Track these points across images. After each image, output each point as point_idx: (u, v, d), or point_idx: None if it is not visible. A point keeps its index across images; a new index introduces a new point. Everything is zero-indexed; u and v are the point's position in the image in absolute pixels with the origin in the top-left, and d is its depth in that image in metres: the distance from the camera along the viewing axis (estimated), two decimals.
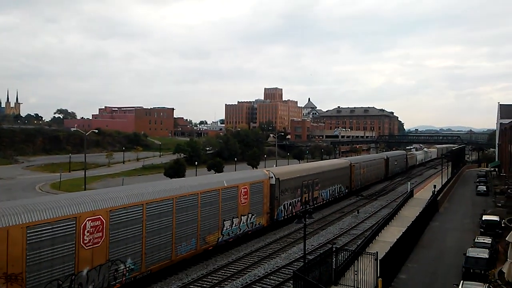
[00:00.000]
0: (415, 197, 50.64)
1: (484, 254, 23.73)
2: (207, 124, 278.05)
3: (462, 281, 19.76)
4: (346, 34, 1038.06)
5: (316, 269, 19.44)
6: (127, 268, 20.64)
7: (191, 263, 25.66)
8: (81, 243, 18.32)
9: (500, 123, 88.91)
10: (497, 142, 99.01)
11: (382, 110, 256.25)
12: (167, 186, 24.77)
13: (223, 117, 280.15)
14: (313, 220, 36.44)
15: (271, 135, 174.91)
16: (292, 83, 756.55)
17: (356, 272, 20.84)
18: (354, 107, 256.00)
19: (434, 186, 47.13)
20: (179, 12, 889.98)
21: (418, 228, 31.74)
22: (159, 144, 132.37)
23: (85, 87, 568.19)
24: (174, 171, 71.16)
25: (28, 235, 16.21)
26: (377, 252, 20.93)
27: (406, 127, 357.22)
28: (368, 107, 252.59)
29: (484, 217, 35.05)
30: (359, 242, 27.27)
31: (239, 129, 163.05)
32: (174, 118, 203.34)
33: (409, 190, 53.02)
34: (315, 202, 43.64)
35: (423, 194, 51.34)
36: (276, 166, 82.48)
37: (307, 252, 24.39)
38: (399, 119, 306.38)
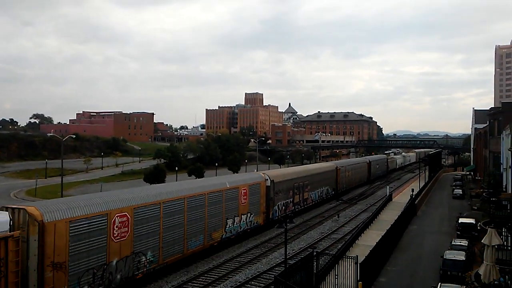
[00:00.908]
0: (394, 201, 51.41)
1: (461, 256, 24.23)
2: (187, 129, 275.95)
3: (440, 283, 20.11)
4: (326, 40, 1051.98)
5: (297, 273, 19.47)
6: (148, 260, 22.97)
7: (199, 257, 27.98)
8: (111, 236, 20.55)
9: (475, 128, 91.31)
10: (472, 146, 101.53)
11: (361, 115, 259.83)
12: (179, 187, 27.62)
13: (204, 122, 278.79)
14: (294, 224, 36.67)
15: (252, 140, 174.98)
16: (273, 88, 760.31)
17: (336, 276, 20.97)
18: (334, 112, 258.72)
19: (412, 190, 47.96)
20: (160, 17, 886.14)
21: (397, 232, 32.19)
22: (138, 149, 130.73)
23: (63, 92, 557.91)
24: (154, 176, 70.38)
25: (70, 228, 18.36)
26: (357, 256, 21.11)
27: (384, 131, 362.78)
28: (348, 112, 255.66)
29: (461, 220, 35.80)
30: (340, 246, 27.50)
31: (220, 134, 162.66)
32: (154, 123, 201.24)
33: (388, 194, 53.81)
34: (305, 203, 46.38)
35: (402, 198, 52.16)
36: (257, 170, 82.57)
37: (288, 256, 24.43)
38: (378, 124, 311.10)
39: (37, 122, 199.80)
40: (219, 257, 28.96)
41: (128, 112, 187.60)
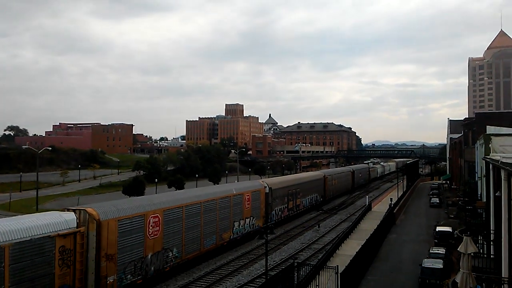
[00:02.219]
0: (373, 210, 52.00)
1: (438, 264, 24.61)
2: (167, 140, 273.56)
3: None
4: (305, 52, 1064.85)
5: (278, 285, 19.41)
6: (174, 256, 26.38)
7: (212, 255, 31.26)
8: (147, 234, 23.97)
9: (450, 138, 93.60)
10: (448, 156, 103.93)
11: (341, 126, 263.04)
12: (196, 193, 31.60)
13: (184, 133, 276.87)
14: (275, 235, 36.65)
15: (233, 151, 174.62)
16: (253, 100, 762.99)
17: (317, 287, 21.00)
18: (314, 123, 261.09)
19: (391, 199, 48.62)
20: (139, 29, 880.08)
21: (377, 241, 32.51)
22: (117, 161, 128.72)
23: (39, 103, 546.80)
24: (133, 189, 69.24)
25: (119, 226, 21.83)
26: (337, 266, 21.22)
27: (363, 142, 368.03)
28: (327, 123, 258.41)
29: (438, 228, 36.42)
30: (320, 257, 27.56)
31: (200, 145, 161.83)
32: (134, 134, 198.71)
33: (367, 203, 54.42)
34: (298, 208, 50.09)
35: (381, 207, 52.83)
36: (238, 181, 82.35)
37: (269, 268, 24.34)
38: (356, 134, 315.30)
39: (12, 134, 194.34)
40: (199, 269, 28.62)
41: (107, 124, 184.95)
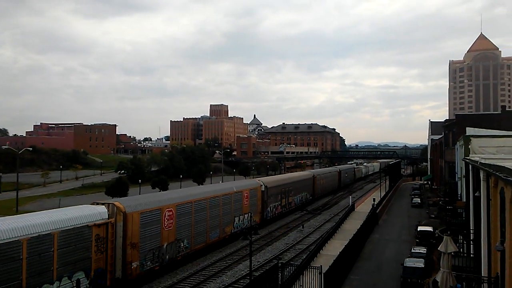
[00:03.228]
0: (356, 210, 52.51)
1: (420, 264, 25.02)
2: (151, 141, 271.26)
3: None
4: (289, 54, 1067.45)
5: (262, 285, 19.47)
6: (184, 246, 29.09)
7: (216, 247, 33.85)
8: (163, 226, 26.77)
9: (431, 139, 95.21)
10: (429, 156, 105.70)
11: (325, 127, 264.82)
12: (203, 190, 35.20)
13: (168, 133, 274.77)
14: (259, 236, 36.70)
15: (217, 151, 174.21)
16: (238, 100, 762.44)
17: (301, 287, 21.12)
18: (298, 124, 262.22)
19: (374, 200, 49.20)
20: (122, 28, 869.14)
21: (360, 241, 32.88)
22: (100, 162, 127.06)
23: (19, 103, 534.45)
24: (116, 189, 68.44)
25: (141, 218, 24.52)
26: (321, 266, 21.37)
27: (347, 142, 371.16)
28: (312, 124, 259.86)
29: (419, 228, 37.02)
30: (304, 257, 27.73)
31: (185, 145, 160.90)
32: (117, 134, 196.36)
33: (350, 203, 54.95)
34: (290, 206, 53.01)
35: (364, 208, 53.38)
36: (222, 182, 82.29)
37: (253, 268, 24.38)
38: (340, 135, 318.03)
39: None
40: (183, 271, 28.49)
41: (89, 124, 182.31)
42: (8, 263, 17.19)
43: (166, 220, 26.91)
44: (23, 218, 19.25)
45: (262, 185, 44.46)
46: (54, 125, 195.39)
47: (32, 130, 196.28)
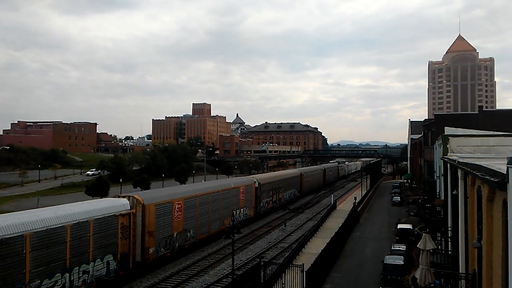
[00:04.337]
0: (338, 209, 53.02)
1: (399, 261, 25.44)
2: (133, 139, 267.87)
3: None
4: (272, 53, 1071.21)
5: (244, 284, 19.47)
6: (190, 236, 32.33)
7: (216, 238, 36.32)
8: (173, 217, 29.90)
9: (411, 138, 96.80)
10: (409, 155, 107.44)
11: (307, 126, 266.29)
12: (205, 186, 39.00)
13: (150, 132, 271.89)
14: (242, 235, 36.68)
15: (200, 150, 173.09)
16: (220, 99, 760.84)
17: (283, 285, 21.21)
18: (281, 123, 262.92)
19: (355, 198, 49.73)
20: (102, 25, 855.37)
21: (341, 239, 33.21)
22: (80, 161, 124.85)
23: None
24: (97, 189, 67.37)
25: (156, 209, 27.73)
26: (303, 264, 21.51)
27: (329, 142, 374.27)
28: (294, 123, 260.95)
29: (399, 226, 37.60)
30: (286, 255, 27.86)
31: (167, 144, 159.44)
32: (98, 133, 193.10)
33: (332, 202, 55.43)
34: (280, 201, 56.89)
35: (345, 206, 53.93)
36: (205, 181, 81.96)
37: (236, 267, 24.36)
38: (322, 134, 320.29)
39: None
40: (168, 269, 28.27)
41: (69, 122, 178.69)
42: (56, 246, 20.30)
43: (176, 212, 30.11)
44: (65, 208, 22.51)
45: (256, 182, 47.87)
46: (32, 123, 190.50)
47: (9, 128, 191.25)
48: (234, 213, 40.57)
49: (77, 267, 21.39)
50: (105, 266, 23.34)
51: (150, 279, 26.47)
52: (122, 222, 24.84)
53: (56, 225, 20.33)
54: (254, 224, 45.20)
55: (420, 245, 17.02)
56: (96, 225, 22.74)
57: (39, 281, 19.20)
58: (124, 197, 26.83)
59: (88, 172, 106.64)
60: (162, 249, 28.32)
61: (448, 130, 38.28)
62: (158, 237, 27.75)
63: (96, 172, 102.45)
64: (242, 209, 43.16)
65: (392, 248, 29.99)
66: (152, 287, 25.06)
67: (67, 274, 20.77)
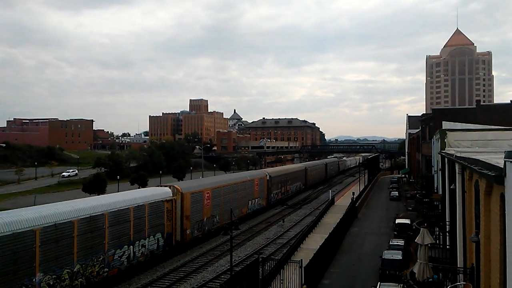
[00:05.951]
0: (336, 204, 53.08)
1: (398, 256, 25.46)
2: (130, 136, 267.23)
3: (379, 283, 20.97)
4: (269, 48, 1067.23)
5: (243, 280, 19.42)
6: (216, 221, 36.86)
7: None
8: (204, 204, 34.51)
9: (409, 133, 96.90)
10: (406, 150, 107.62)
11: (305, 121, 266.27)
12: (228, 178, 45.79)
13: (147, 129, 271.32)
14: (240, 231, 36.71)
15: (197, 147, 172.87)
16: (218, 95, 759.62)
17: (282, 281, 21.21)
18: (279, 119, 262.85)
19: (353, 193, 49.80)
20: (98, 21, 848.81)
21: (339, 234, 33.23)
22: (76, 158, 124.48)
23: None
24: (94, 186, 67.17)
25: (191, 197, 32.49)
26: (301, 260, 21.49)
27: (327, 137, 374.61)
28: (292, 119, 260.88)
29: (397, 221, 37.66)
30: (285, 251, 27.84)
31: (164, 141, 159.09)
32: (94, 130, 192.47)
33: (330, 197, 55.48)
34: (287, 193, 61.73)
35: (343, 201, 53.99)
36: (203, 177, 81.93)
37: (234, 264, 24.34)
38: (320, 129, 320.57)
39: None
40: (163, 267, 28.28)
41: (65, 119, 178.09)
42: (125, 223, 25.21)
43: (205, 200, 34.65)
44: (129, 194, 28.35)
45: (267, 175, 52.75)
46: (28, 121, 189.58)
47: (5, 125, 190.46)
48: (250, 203, 45.44)
49: (138, 241, 26.31)
50: (156, 242, 28.23)
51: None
52: (167, 207, 29.52)
53: (124, 207, 25.35)
54: (266, 213, 49.92)
55: (418, 239, 16.99)
56: (150, 208, 27.57)
57: (113, 250, 24.17)
58: (165, 186, 32.10)
59: (63, 173, 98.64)
60: (196, 231, 33.05)
61: (445, 125, 38.24)
62: (193, 221, 32.47)
63: (73, 174, 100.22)
64: (256, 199, 47.83)
65: (390, 243, 30.02)
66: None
67: (131, 247, 25.77)
